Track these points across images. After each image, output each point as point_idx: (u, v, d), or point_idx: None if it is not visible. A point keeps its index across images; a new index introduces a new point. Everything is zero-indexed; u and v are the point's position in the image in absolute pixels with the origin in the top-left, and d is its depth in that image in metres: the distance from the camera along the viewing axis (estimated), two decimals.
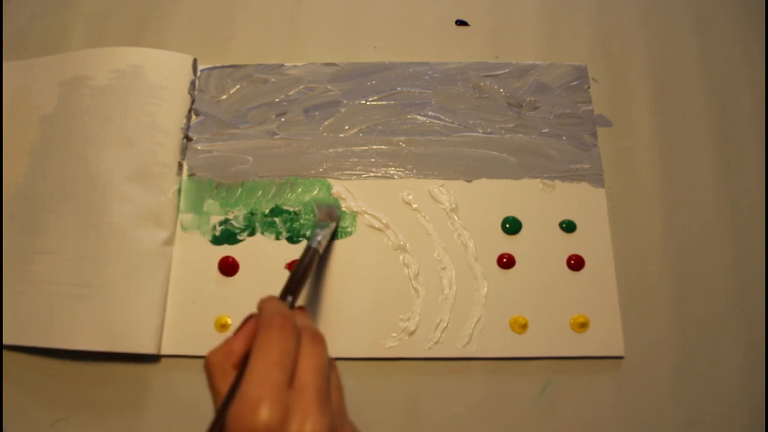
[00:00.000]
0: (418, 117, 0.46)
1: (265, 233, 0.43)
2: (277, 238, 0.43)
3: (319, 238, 0.37)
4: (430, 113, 0.46)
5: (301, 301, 0.41)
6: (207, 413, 0.39)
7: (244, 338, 0.29)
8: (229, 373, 0.28)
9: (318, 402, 0.26)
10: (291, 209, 0.43)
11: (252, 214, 0.43)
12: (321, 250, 0.37)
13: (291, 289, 0.33)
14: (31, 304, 0.40)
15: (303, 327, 0.29)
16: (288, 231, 0.43)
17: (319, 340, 0.29)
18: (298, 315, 0.31)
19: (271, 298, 0.31)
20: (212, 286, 0.41)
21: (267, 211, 0.43)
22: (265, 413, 0.24)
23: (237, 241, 0.42)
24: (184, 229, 0.43)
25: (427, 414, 0.39)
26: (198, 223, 0.43)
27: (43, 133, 0.44)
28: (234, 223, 0.43)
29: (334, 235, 0.42)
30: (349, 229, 0.43)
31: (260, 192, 0.44)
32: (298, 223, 0.43)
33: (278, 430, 0.25)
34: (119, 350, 0.38)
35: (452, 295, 0.41)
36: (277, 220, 0.43)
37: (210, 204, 0.43)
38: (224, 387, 0.27)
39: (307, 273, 0.34)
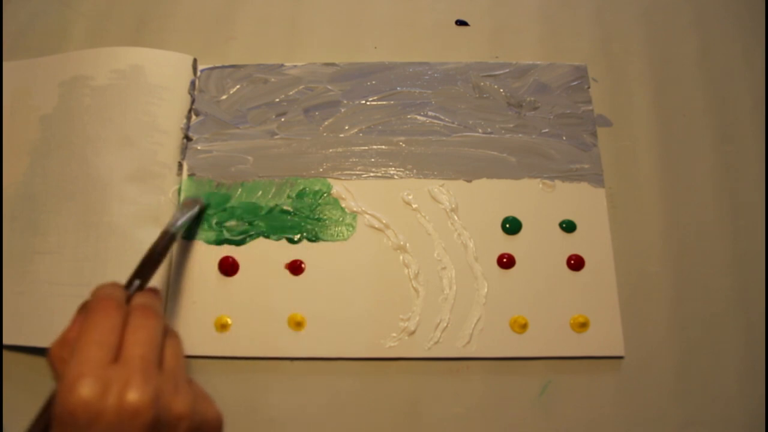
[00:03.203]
0: (418, 117, 0.46)
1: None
2: (277, 239, 0.43)
3: (177, 222, 0.38)
4: (430, 113, 0.46)
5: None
6: None
7: (77, 326, 0.30)
8: (67, 361, 0.28)
9: (141, 371, 0.27)
10: (291, 209, 0.43)
11: (255, 210, 0.43)
12: (178, 234, 0.38)
13: (140, 272, 0.34)
14: (31, 304, 0.40)
15: (136, 305, 0.30)
16: (288, 231, 0.43)
17: (150, 314, 0.30)
18: (139, 295, 0.32)
19: (102, 285, 0.32)
20: (212, 286, 0.41)
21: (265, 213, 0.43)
22: (83, 390, 0.26)
23: (237, 242, 0.42)
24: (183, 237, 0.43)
25: (427, 414, 0.39)
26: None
27: (43, 133, 0.44)
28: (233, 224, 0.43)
29: (198, 221, 0.43)
30: (349, 229, 0.43)
31: (260, 192, 0.44)
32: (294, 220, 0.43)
33: (97, 404, 0.26)
34: None
35: (452, 295, 0.41)
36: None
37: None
38: None
39: (160, 257, 0.36)
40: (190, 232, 0.42)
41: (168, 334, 0.31)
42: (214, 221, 0.43)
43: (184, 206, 0.41)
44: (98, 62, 0.45)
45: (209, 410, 0.30)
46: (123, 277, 0.40)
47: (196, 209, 0.41)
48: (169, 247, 0.37)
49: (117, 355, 0.28)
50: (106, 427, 0.26)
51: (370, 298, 0.41)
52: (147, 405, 0.26)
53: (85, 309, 0.30)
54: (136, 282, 0.34)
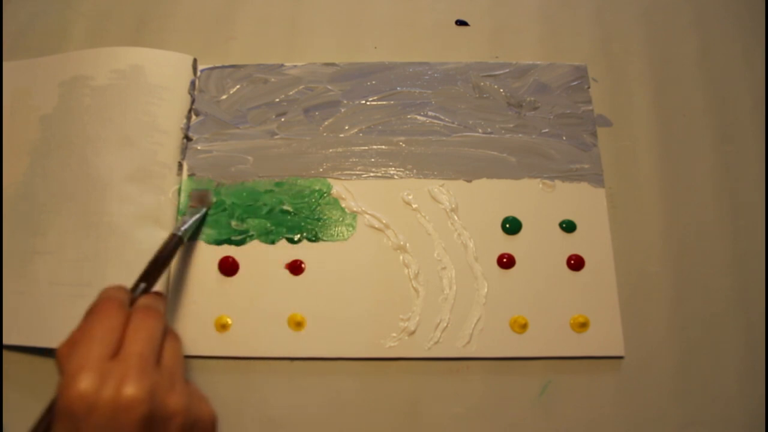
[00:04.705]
0: (418, 117, 0.46)
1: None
2: (277, 239, 0.43)
3: (185, 226, 0.39)
4: (430, 113, 0.46)
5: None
6: None
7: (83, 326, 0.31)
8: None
9: (138, 368, 0.28)
10: (291, 209, 0.43)
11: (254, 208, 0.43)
12: (186, 237, 0.39)
13: (146, 275, 0.35)
14: (31, 304, 0.40)
15: (138, 306, 0.32)
16: (288, 231, 0.43)
17: (151, 314, 0.31)
18: (143, 298, 0.33)
19: (108, 287, 0.33)
20: (212, 286, 0.41)
21: (265, 212, 0.43)
22: (81, 382, 0.27)
23: (237, 242, 0.42)
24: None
25: (427, 414, 0.39)
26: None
27: (43, 133, 0.44)
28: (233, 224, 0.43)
29: (203, 220, 0.43)
30: (349, 229, 0.43)
31: (260, 192, 0.44)
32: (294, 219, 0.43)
33: (93, 396, 0.27)
34: None
35: (452, 295, 0.41)
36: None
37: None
38: None
39: (167, 261, 0.37)
40: (194, 233, 0.43)
41: (168, 334, 0.32)
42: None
43: (192, 206, 0.42)
44: (98, 62, 0.45)
45: (204, 409, 0.31)
46: (123, 277, 0.40)
47: (203, 211, 0.42)
48: (176, 251, 0.38)
49: (116, 352, 0.29)
50: (101, 419, 0.27)
51: (370, 298, 0.41)
52: (142, 399, 0.27)
53: (89, 310, 0.31)
54: (142, 285, 0.34)
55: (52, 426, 0.28)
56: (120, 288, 0.33)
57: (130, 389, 0.27)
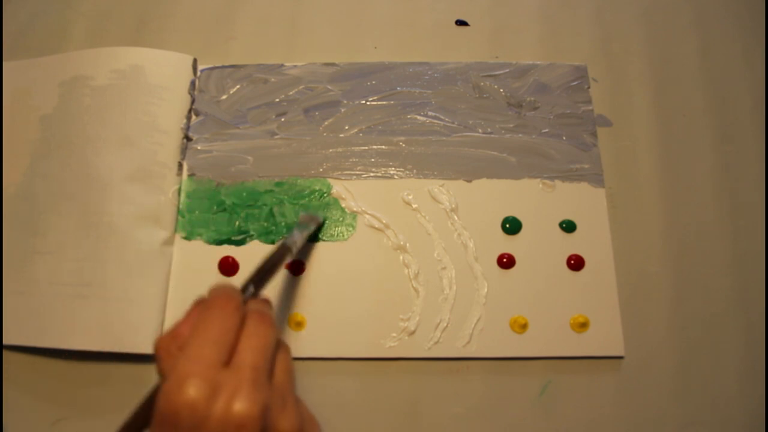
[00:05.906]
0: (418, 117, 0.46)
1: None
2: (278, 239, 0.43)
3: (295, 237, 0.37)
4: (430, 113, 0.46)
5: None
6: None
7: (191, 321, 0.28)
8: (175, 356, 0.27)
9: (252, 380, 0.25)
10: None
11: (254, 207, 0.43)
12: (294, 249, 0.37)
13: (254, 279, 0.33)
14: (31, 304, 0.40)
15: (253, 310, 0.29)
16: (288, 231, 0.43)
17: (267, 321, 0.28)
18: (253, 301, 0.31)
19: (221, 284, 0.30)
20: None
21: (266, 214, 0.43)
22: (191, 390, 0.24)
23: (237, 242, 0.42)
24: (183, 237, 0.43)
25: (427, 414, 0.39)
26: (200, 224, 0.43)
27: (43, 133, 0.44)
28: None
29: (314, 238, 0.42)
30: (349, 229, 0.43)
31: (260, 192, 0.44)
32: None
33: (203, 407, 0.24)
34: (119, 350, 0.38)
35: (452, 295, 0.41)
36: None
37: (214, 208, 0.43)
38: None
39: (275, 268, 0.35)
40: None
41: (280, 346, 0.29)
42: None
43: (302, 223, 0.40)
44: (98, 62, 0.45)
45: None
46: (123, 277, 0.40)
47: (313, 227, 0.41)
48: (283, 261, 0.36)
49: (229, 358, 0.26)
50: None
51: (370, 298, 0.41)
52: (254, 418, 0.25)
53: (202, 304, 0.28)
54: (251, 288, 0.32)
55: (149, 426, 0.25)
56: (233, 286, 0.30)
57: (243, 405, 0.25)
